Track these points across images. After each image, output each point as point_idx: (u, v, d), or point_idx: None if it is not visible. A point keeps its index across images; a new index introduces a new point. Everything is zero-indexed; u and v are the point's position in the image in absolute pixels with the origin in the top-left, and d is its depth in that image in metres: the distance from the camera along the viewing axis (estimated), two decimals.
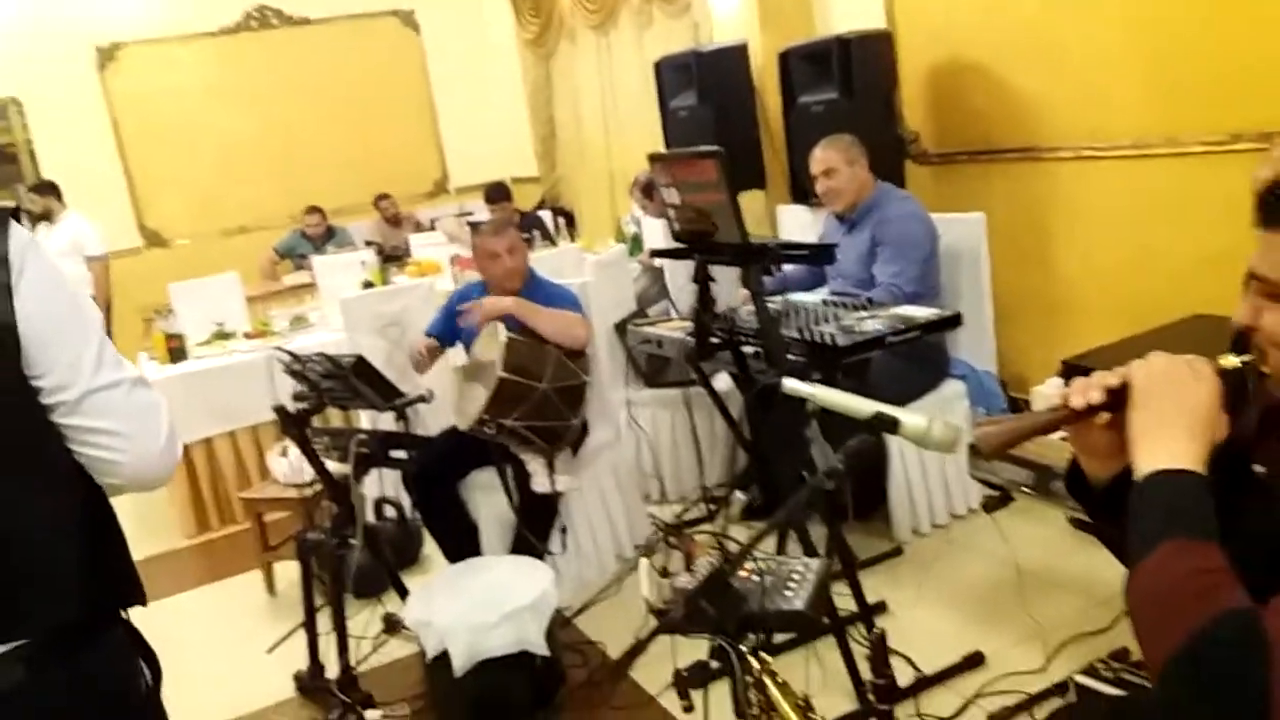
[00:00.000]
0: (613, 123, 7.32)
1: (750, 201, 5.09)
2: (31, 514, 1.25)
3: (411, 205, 8.24)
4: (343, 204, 7.92)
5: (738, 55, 4.91)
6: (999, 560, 3.05)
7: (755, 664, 1.69)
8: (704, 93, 4.86)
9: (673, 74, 5.12)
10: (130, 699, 1.38)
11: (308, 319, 5.36)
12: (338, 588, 2.96)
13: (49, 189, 6.43)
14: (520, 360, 3.12)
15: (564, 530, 3.41)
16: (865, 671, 2.37)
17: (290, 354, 3.04)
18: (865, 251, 3.52)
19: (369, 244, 6.82)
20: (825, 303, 3.26)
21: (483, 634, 2.73)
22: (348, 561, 3.01)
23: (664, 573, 1.71)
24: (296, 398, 2.98)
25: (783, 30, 4.82)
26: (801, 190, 4.48)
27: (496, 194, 6.64)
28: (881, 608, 3.10)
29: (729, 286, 3.74)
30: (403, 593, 3.30)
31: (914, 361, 3.39)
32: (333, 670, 2.98)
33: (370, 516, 3.95)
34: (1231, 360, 1.19)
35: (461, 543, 3.42)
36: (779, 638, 2.84)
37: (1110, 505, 1.25)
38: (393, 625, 3.37)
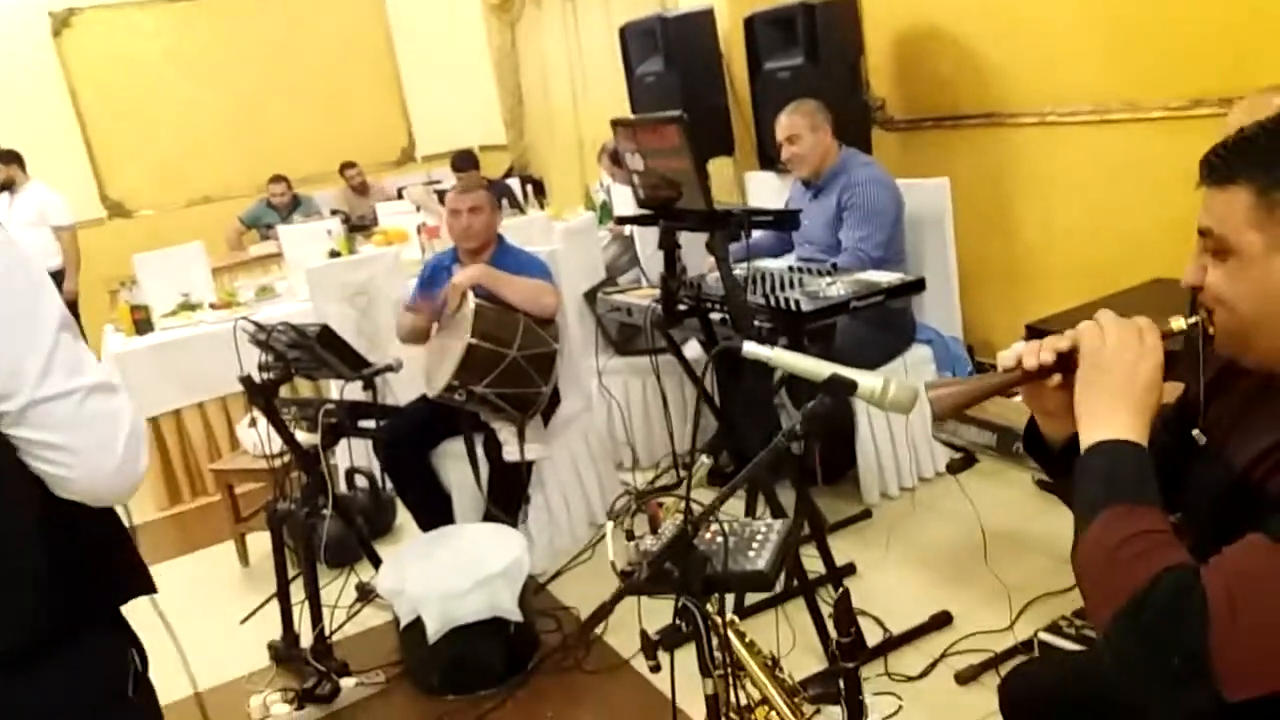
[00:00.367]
0: (580, 89, 7.27)
1: (719, 168, 5.10)
2: None
3: (379, 174, 8.16)
4: (308, 173, 7.83)
5: (703, 20, 4.88)
6: (966, 522, 3.10)
7: (721, 624, 1.73)
8: (670, 58, 4.83)
9: (638, 40, 5.09)
10: (120, 694, 1.33)
11: (274, 289, 5.32)
12: (310, 557, 2.98)
13: (11, 158, 6.30)
14: (488, 327, 3.13)
15: (527, 500, 3.43)
16: (834, 632, 2.41)
17: (255, 324, 3.02)
18: (832, 217, 3.54)
19: (335, 213, 6.76)
20: (791, 268, 3.28)
21: (455, 601, 2.76)
22: (319, 531, 3.02)
23: (630, 536, 1.74)
24: (263, 368, 2.97)
25: None
26: (769, 156, 4.48)
27: (463, 162, 6.60)
28: (850, 569, 3.15)
29: (698, 253, 3.74)
30: (376, 561, 3.32)
31: (880, 327, 3.42)
32: (307, 639, 2.99)
33: (342, 486, 3.96)
34: (1180, 322, 1.22)
35: (434, 511, 3.43)
36: (750, 600, 2.91)
37: (1068, 464, 1.28)
38: (366, 594, 3.39)
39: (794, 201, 3.78)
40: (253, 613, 3.48)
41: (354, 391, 3.39)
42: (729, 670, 1.65)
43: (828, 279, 3.04)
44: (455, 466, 3.46)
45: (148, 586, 1.39)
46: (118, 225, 7.81)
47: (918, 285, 3.01)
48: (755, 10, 4.54)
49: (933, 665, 2.65)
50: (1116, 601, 1.03)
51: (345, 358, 3.07)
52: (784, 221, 2.93)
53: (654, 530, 1.85)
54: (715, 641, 1.62)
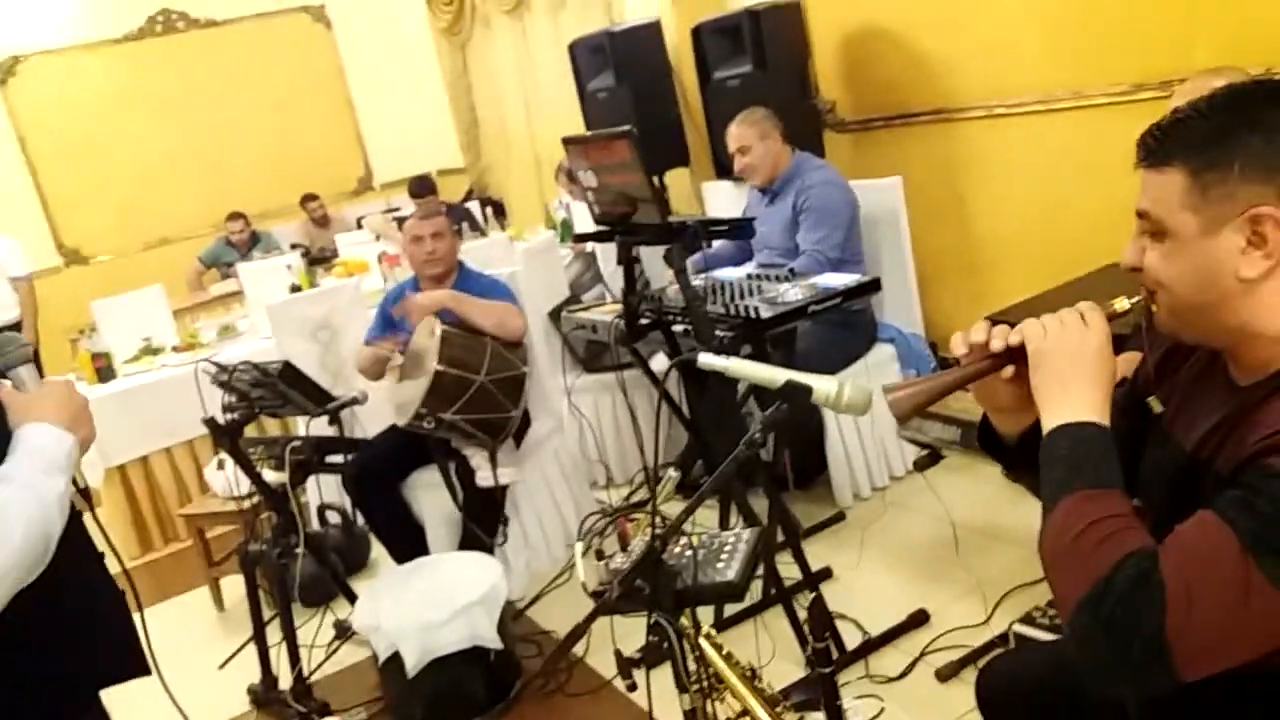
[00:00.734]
0: (535, 108, 7.27)
1: (676, 179, 5.11)
2: None
3: (337, 204, 8.12)
4: (266, 207, 7.79)
5: (651, 33, 4.90)
6: (938, 518, 3.11)
7: (698, 637, 1.72)
8: (620, 73, 4.84)
9: (587, 56, 5.10)
10: None
11: (236, 328, 5.27)
12: (284, 598, 2.94)
13: None
14: (456, 353, 3.11)
15: (505, 521, 3.41)
16: (811, 637, 2.41)
17: (217, 365, 2.99)
18: (788, 221, 3.56)
19: (295, 247, 6.72)
20: (750, 276, 3.29)
21: (433, 632, 2.73)
22: (292, 570, 2.99)
23: (600, 555, 1.73)
24: (226, 409, 2.94)
25: (693, 5, 4.81)
26: (723, 166, 4.50)
27: (421, 188, 6.56)
28: (827, 574, 3.15)
29: (660, 265, 3.75)
30: (351, 598, 3.29)
31: (843, 329, 3.44)
32: (287, 681, 2.96)
33: (314, 524, 3.92)
34: (1124, 303, 1.24)
35: (407, 543, 3.40)
36: (729, 611, 2.91)
37: (1024, 457, 1.29)
38: (343, 631, 3.35)
39: (751, 209, 3.80)
40: (230, 657, 3.43)
41: (320, 427, 3.37)
42: (705, 684, 1.65)
43: (786, 284, 3.05)
44: (427, 497, 3.43)
45: (129, 671, 1.34)
46: (75, 272, 7.72)
47: (873, 285, 3.02)
48: (702, 20, 4.56)
49: (913, 664, 2.65)
50: (1080, 589, 1.04)
51: (309, 393, 3.05)
52: (739, 231, 2.94)
53: (624, 548, 1.85)
54: (694, 655, 1.62)
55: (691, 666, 1.62)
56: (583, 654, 2.94)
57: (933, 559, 3.12)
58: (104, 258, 7.84)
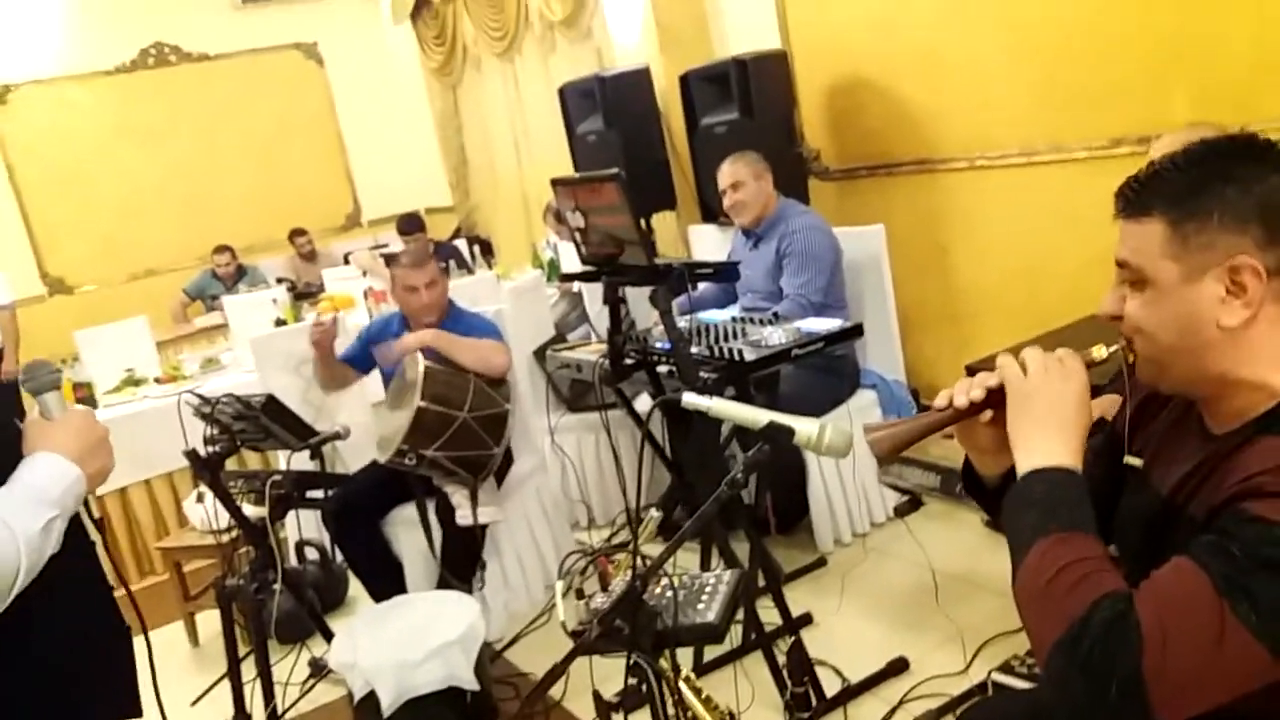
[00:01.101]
0: (524, 149, 7.34)
1: (663, 222, 5.16)
2: None
3: (324, 240, 8.14)
4: (253, 241, 7.80)
5: (641, 79, 4.97)
6: (918, 565, 3.11)
7: (677, 680, 1.72)
8: (609, 117, 4.90)
9: (577, 99, 5.16)
10: None
11: (219, 361, 5.26)
12: (260, 634, 2.91)
13: None
14: (439, 389, 3.11)
15: (483, 567, 3.39)
16: (790, 683, 2.40)
17: (200, 397, 2.98)
18: (772, 264, 3.59)
19: (281, 281, 6.72)
20: (734, 319, 3.31)
21: (409, 672, 2.70)
22: (269, 606, 2.96)
23: (580, 595, 1.73)
24: (208, 441, 2.93)
25: (682, 53, 4.90)
26: (710, 210, 4.55)
27: (409, 225, 6.60)
28: (807, 619, 3.14)
29: (645, 306, 3.78)
30: (328, 635, 3.25)
31: (826, 374, 3.46)
32: (260, 718, 2.91)
33: (292, 559, 3.88)
34: (1102, 351, 1.25)
35: (386, 580, 3.37)
36: (709, 655, 2.89)
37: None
38: (318, 669, 3.31)
39: (735, 252, 3.84)
40: (204, 694, 3.38)
41: (302, 461, 3.35)
42: None
43: (770, 327, 3.08)
44: (406, 534, 3.41)
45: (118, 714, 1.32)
46: (59, 302, 7.70)
47: (856, 331, 3.05)
48: (690, 68, 4.63)
49: (892, 712, 2.64)
50: (1055, 632, 1.04)
51: (291, 427, 3.03)
52: (724, 274, 2.97)
53: (604, 588, 1.84)
54: (673, 699, 1.62)
55: (670, 711, 1.61)
56: (560, 697, 2.92)
57: (913, 606, 3.11)
58: (89, 288, 7.82)
